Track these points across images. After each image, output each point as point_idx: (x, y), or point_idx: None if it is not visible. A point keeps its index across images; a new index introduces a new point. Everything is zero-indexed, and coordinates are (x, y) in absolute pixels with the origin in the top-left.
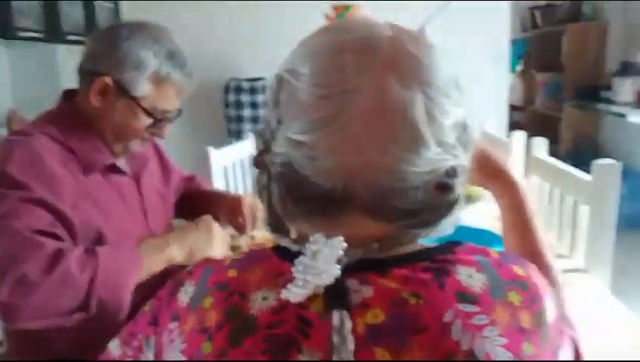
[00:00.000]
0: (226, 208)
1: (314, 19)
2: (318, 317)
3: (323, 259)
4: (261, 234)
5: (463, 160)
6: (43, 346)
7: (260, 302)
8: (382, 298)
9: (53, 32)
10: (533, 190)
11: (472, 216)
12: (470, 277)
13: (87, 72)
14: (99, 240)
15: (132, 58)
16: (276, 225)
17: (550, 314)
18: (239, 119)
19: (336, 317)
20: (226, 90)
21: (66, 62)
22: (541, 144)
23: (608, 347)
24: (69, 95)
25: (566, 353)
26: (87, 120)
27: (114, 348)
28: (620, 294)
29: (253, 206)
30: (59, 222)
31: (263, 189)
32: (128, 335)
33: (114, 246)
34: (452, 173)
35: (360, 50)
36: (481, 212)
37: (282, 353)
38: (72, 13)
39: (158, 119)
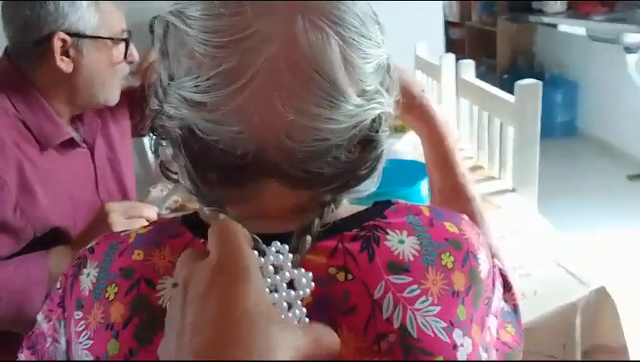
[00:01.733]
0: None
1: None
2: None
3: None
4: None
5: (387, 106)
6: None
7: (169, 291)
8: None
9: None
10: (463, 113)
11: (402, 147)
12: (401, 242)
13: (34, 44)
14: (50, 235)
15: (63, 3)
16: (205, 196)
17: (484, 268)
18: None
19: None
20: (150, 28)
21: None
22: (469, 66)
23: (536, 260)
24: (9, 57)
25: (498, 293)
26: (33, 86)
27: (41, 320)
28: (547, 212)
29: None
30: None
31: (172, 158)
32: (48, 311)
33: (19, 260)
34: (377, 124)
35: None
36: (411, 142)
37: None
38: None
39: (124, 39)
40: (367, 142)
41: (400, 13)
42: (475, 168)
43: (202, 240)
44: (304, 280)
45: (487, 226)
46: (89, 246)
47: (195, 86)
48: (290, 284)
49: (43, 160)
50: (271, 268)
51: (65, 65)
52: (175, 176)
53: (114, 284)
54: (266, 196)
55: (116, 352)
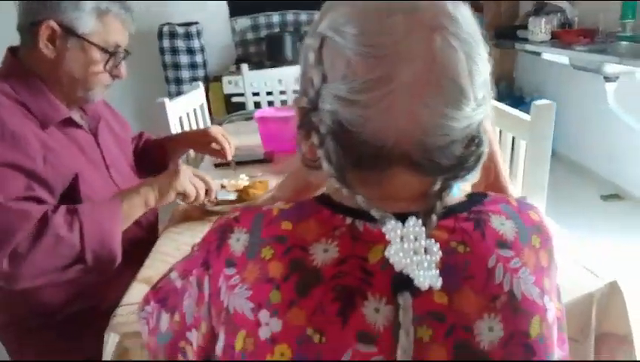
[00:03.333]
0: (194, 141)
1: None
2: (379, 267)
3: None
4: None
5: (488, 111)
6: (31, 300)
7: (321, 255)
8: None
9: None
10: None
11: None
12: (502, 225)
13: (29, 25)
14: (74, 187)
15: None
16: (344, 180)
17: (555, 250)
18: (176, 66)
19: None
20: (160, 35)
21: None
22: None
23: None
24: (12, 53)
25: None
26: (35, 75)
27: (175, 278)
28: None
29: (224, 132)
30: (35, 182)
31: (318, 147)
32: (185, 271)
33: (92, 201)
34: (481, 126)
35: (407, 11)
36: None
37: (350, 301)
38: None
39: (111, 53)
40: (474, 140)
41: None
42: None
43: (341, 215)
44: (435, 248)
45: None
46: (233, 216)
47: (350, 88)
48: (426, 252)
49: (47, 135)
50: (412, 236)
51: (48, 51)
52: (315, 164)
53: (268, 247)
54: (395, 181)
55: (279, 300)
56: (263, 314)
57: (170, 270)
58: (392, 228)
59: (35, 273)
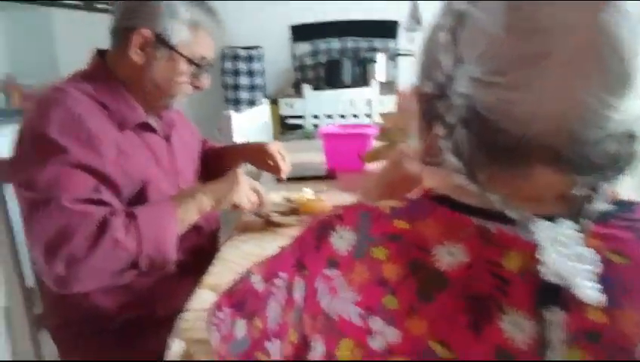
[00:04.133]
0: (251, 156)
1: None
2: (516, 275)
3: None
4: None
5: None
6: (85, 304)
7: (446, 258)
8: None
9: None
10: None
11: None
12: None
13: (123, 30)
14: (142, 192)
15: (165, 7)
16: (474, 176)
17: None
18: (236, 87)
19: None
20: (222, 57)
21: (61, 27)
22: None
23: None
24: (100, 55)
25: None
26: (118, 78)
27: (256, 281)
28: None
29: (280, 149)
30: (102, 184)
31: (444, 139)
32: (269, 273)
33: (149, 204)
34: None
35: None
36: None
37: (484, 311)
38: None
39: (198, 65)
40: (630, 137)
41: None
42: None
43: (466, 216)
44: (593, 256)
45: None
46: (334, 213)
47: (493, 68)
48: (583, 260)
49: (123, 137)
50: (568, 241)
51: (137, 57)
52: (433, 160)
53: (381, 247)
54: (536, 179)
55: (396, 306)
56: (375, 322)
57: (249, 273)
58: (543, 230)
59: (91, 277)
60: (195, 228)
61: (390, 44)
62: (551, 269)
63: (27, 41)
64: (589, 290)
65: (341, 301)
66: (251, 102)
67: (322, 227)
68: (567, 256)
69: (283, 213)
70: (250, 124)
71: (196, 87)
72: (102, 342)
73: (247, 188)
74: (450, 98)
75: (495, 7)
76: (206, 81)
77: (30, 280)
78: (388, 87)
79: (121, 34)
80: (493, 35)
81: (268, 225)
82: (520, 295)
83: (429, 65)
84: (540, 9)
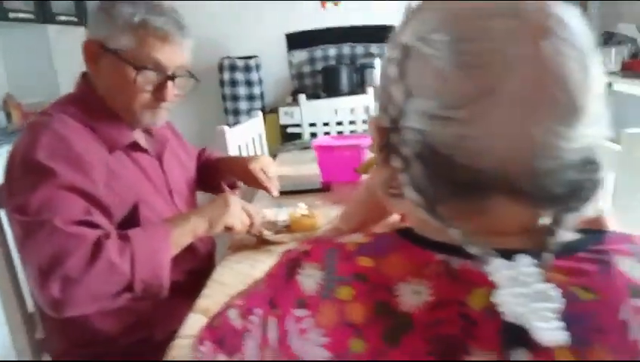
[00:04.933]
0: (239, 175)
1: None
2: (482, 314)
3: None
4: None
5: (606, 130)
6: (86, 328)
7: (410, 297)
8: None
9: (43, 13)
10: None
11: None
12: (633, 268)
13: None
14: (134, 215)
15: (106, 14)
16: (434, 211)
17: None
18: (235, 98)
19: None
20: (220, 68)
21: (57, 43)
22: None
23: None
24: (84, 77)
25: None
26: (103, 99)
27: (234, 317)
28: None
29: (264, 167)
30: (93, 206)
31: (401, 173)
32: (246, 309)
33: (143, 228)
34: (598, 148)
35: (506, 15)
36: None
37: (450, 355)
38: None
39: (146, 68)
40: (590, 164)
41: None
42: None
43: (430, 252)
44: (554, 293)
45: None
46: (302, 250)
47: (443, 103)
48: (544, 298)
49: (113, 159)
50: (525, 279)
51: (91, 70)
52: (395, 192)
53: (349, 286)
54: (496, 212)
55: (362, 351)
56: None
57: (228, 306)
58: (498, 268)
59: (86, 299)
60: (191, 250)
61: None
62: (509, 310)
63: (25, 59)
64: (547, 331)
65: (310, 344)
66: (250, 113)
67: (290, 264)
68: (524, 295)
69: (278, 231)
70: (245, 137)
71: (160, 100)
72: None
73: (238, 210)
74: (403, 131)
75: (440, 42)
76: (168, 92)
77: (30, 305)
78: None
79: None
80: (440, 70)
81: (261, 243)
82: (486, 335)
83: (383, 97)
84: (482, 44)
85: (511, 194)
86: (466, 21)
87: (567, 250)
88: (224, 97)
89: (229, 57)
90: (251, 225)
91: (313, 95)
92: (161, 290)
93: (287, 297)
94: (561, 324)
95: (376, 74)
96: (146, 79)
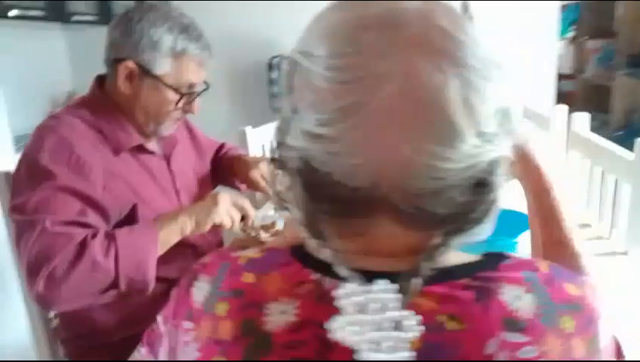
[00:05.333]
0: (245, 180)
1: None
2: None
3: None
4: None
5: (505, 150)
6: (88, 320)
7: (276, 317)
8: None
9: (106, 15)
10: (573, 167)
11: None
12: (518, 298)
13: (112, 61)
14: (132, 215)
15: (147, 39)
16: (313, 228)
17: (604, 338)
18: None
19: None
20: (270, 67)
21: None
22: (583, 119)
23: None
24: (100, 81)
25: None
26: (116, 104)
27: (160, 321)
28: None
29: (264, 173)
30: (90, 207)
31: (287, 189)
32: (166, 316)
33: (130, 227)
34: (493, 167)
35: (383, 27)
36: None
37: None
38: None
39: (184, 93)
40: (482, 185)
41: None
42: (580, 226)
43: (309, 271)
44: (412, 322)
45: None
46: (202, 261)
47: (317, 119)
48: (397, 327)
49: (118, 160)
50: (375, 305)
51: (125, 88)
52: (286, 206)
53: (226, 302)
54: (377, 233)
55: None
56: None
57: (160, 313)
58: (347, 293)
59: (70, 296)
60: (190, 247)
61: None
62: (342, 338)
63: (90, 58)
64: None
65: (186, 357)
66: None
67: (191, 276)
68: (363, 322)
69: (274, 233)
70: (267, 139)
71: (186, 112)
72: (105, 357)
73: (228, 207)
74: (288, 148)
75: (318, 57)
76: (195, 106)
77: None
78: None
79: (111, 65)
80: (316, 86)
81: (260, 244)
82: (340, 359)
83: (281, 112)
84: (355, 59)
85: (393, 214)
86: (342, 35)
87: (449, 276)
88: (272, 96)
89: (279, 56)
90: (244, 219)
91: None
92: (146, 287)
93: (182, 308)
94: (410, 354)
95: None
96: (177, 100)
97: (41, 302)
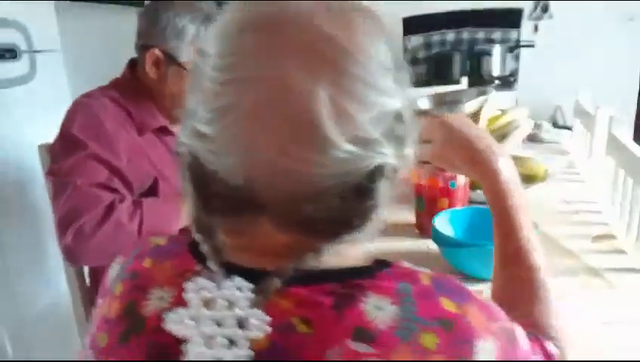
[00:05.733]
0: None
1: None
2: None
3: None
4: None
5: (391, 158)
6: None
7: (154, 302)
8: (271, 321)
9: None
10: (608, 173)
11: (534, 198)
12: (379, 309)
13: (141, 47)
14: (154, 188)
15: (172, 28)
16: (198, 223)
17: (481, 359)
18: None
19: None
20: None
21: None
22: (622, 123)
23: None
24: (132, 64)
25: None
26: (144, 87)
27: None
28: None
29: None
30: (115, 176)
31: (183, 182)
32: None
33: (157, 198)
34: (375, 174)
35: (263, 30)
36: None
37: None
38: None
39: None
40: (361, 192)
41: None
42: (605, 237)
43: (195, 260)
44: (257, 321)
45: (550, 303)
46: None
47: (201, 118)
48: (242, 324)
49: (142, 139)
50: (223, 302)
51: (152, 73)
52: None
53: (122, 283)
54: (256, 231)
55: (103, 345)
56: (88, 356)
57: None
58: (197, 288)
59: (95, 253)
60: None
61: (512, 34)
62: (175, 330)
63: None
64: (222, 358)
65: (89, 332)
66: None
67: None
68: (213, 318)
69: None
70: None
71: None
72: None
73: None
74: (180, 144)
75: (208, 57)
76: None
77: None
78: (505, 81)
79: (140, 51)
80: (203, 85)
81: None
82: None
83: None
84: (233, 60)
85: (269, 214)
86: (226, 36)
87: (314, 279)
88: None
89: None
90: None
91: (426, 82)
92: None
93: (102, 286)
94: (247, 354)
95: (494, 61)
96: None
97: (68, 254)
